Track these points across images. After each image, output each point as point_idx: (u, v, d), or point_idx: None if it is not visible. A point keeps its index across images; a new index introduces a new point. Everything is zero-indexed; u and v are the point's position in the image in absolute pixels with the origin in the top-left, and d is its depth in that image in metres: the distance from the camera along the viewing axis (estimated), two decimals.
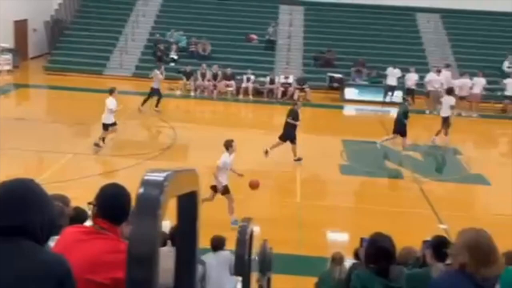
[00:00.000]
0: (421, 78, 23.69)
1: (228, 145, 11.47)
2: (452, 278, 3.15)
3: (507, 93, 23.35)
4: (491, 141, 20.27)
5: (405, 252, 6.30)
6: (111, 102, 15.39)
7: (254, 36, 27.64)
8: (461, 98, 23.14)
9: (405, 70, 23.90)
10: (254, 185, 11.75)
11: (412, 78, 23.60)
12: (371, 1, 28.60)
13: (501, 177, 15.05)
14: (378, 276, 4.16)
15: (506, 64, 25.78)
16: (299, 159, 15.34)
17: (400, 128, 16.75)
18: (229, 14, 28.74)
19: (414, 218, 12.42)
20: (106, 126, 15.43)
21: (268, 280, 6.55)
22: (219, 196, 11.51)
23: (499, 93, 23.85)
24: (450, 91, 19.25)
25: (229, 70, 24.00)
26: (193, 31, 27.40)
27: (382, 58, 25.75)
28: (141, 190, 1.15)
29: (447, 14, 28.78)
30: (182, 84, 23.71)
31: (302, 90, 23.92)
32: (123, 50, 26.49)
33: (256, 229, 10.69)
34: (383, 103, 23.74)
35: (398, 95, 23.95)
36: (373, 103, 23.63)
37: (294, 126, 15.42)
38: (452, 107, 18.39)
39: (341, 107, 23.57)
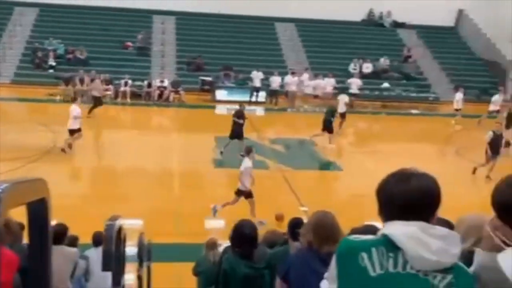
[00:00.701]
0: (282, 80, 24.41)
1: (249, 151, 11.54)
2: (303, 254, 3.26)
3: (352, 91, 24.71)
4: (341, 133, 21.31)
5: (270, 234, 6.43)
6: (74, 109, 15.18)
7: (130, 44, 27.03)
8: (316, 96, 24.22)
9: (268, 73, 24.50)
10: (280, 218, 11.19)
11: (276, 81, 24.27)
12: (235, 11, 28.95)
13: (350, 164, 15.91)
14: (243, 259, 4.20)
15: (351, 66, 27.24)
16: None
17: (327, 126, 17.62)
18: (105, 24, 27.82)
19: (280, 203, 12.70)
20: (71, 132, 15.17)
21: (149, 269, 6.41)
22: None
23: (346, 91, 25.08)
24: (344, 91, 20.88)
25: (107, 76, 23.26)
26: (70, 39, 26.23)
27: (247, 62, 26.19)
28: None
29: (301, 24, 29.82)
30: (62, 90, 22.62)
31: (177, 92, 23.77)
32: (0, 58, 24.77)
33: (139, 222, 10.50)
34: (250, 103, 24.13)
35: (262, 95, 24.57)
36: (241, 103, 23.92)
37: (241, 125, 15.78)
38: (346, 104, 19.74)
39: (212, 107, 23.64)
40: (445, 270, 1.91)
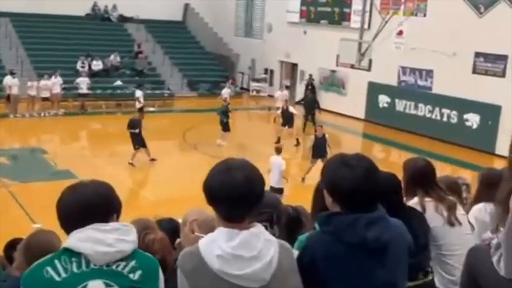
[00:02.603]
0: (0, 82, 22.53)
1: (280, 150, 13.11)
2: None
3: (81, 91, 23.91)
4: (74, 137, 20.63)
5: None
6: None
7: None
8: (44, 99, 22.89)
9: None
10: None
11: None
12: None
13: (86, 170, 15.38)
14: None
15: (79, 64, 26.38)
16: (153, 159, 16.71)
17: (224, 125, 19.09)
18: None
19: (8, 223, 11.66)
20: None
21: None
22: None
23: (75, 91, 24.20)
24: (140, 88, 22.47)
25: None
26: None
27: None
28: None
29: (17, 18, 27.80)
30: None
31: None
32: None
33: None
34: None
35: None
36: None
37: (137, 134, 16.37)
38: (139, 100, 21.37)
39: None
40: (127, 258, 2.21)
